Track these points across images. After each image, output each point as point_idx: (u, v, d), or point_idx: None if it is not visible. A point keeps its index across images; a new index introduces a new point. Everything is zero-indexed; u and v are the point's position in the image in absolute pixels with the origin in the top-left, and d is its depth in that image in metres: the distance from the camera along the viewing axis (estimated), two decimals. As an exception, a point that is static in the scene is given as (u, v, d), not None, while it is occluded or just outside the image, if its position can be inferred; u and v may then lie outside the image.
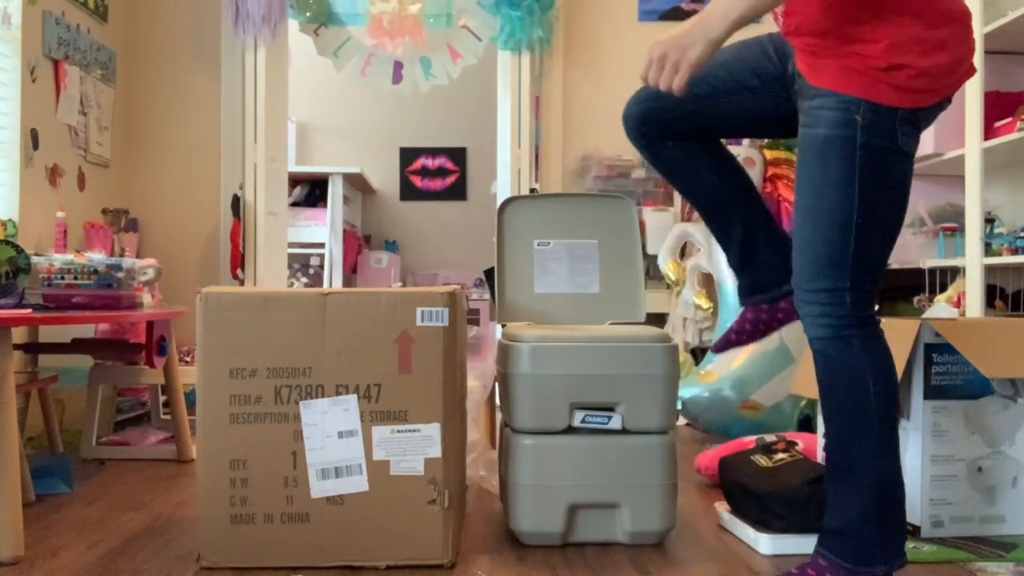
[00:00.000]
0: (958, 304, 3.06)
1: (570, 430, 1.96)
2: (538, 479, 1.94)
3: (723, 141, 1.90)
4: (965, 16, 1.55)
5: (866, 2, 1.50)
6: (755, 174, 3.49)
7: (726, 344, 1.98)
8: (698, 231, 3.60)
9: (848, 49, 1.52)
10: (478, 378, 2.60)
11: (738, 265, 1.93)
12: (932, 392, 2.01)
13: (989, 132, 2.96)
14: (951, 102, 1.63)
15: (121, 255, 3.46)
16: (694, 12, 4.73)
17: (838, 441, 1.62)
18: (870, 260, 1.57)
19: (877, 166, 1.53)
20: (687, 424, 3.58)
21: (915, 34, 1.49)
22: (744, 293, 1.93)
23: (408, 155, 6.26)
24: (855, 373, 1.58)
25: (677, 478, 1.99)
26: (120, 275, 2.49)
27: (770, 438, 2.21)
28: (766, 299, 1.91)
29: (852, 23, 1.51)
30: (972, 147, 3.00)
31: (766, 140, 3.59)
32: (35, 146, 3.11)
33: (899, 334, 2.05)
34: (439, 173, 6.27)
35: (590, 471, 1.94)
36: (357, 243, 5.94)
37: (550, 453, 1.95)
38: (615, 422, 1.95)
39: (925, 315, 3.08)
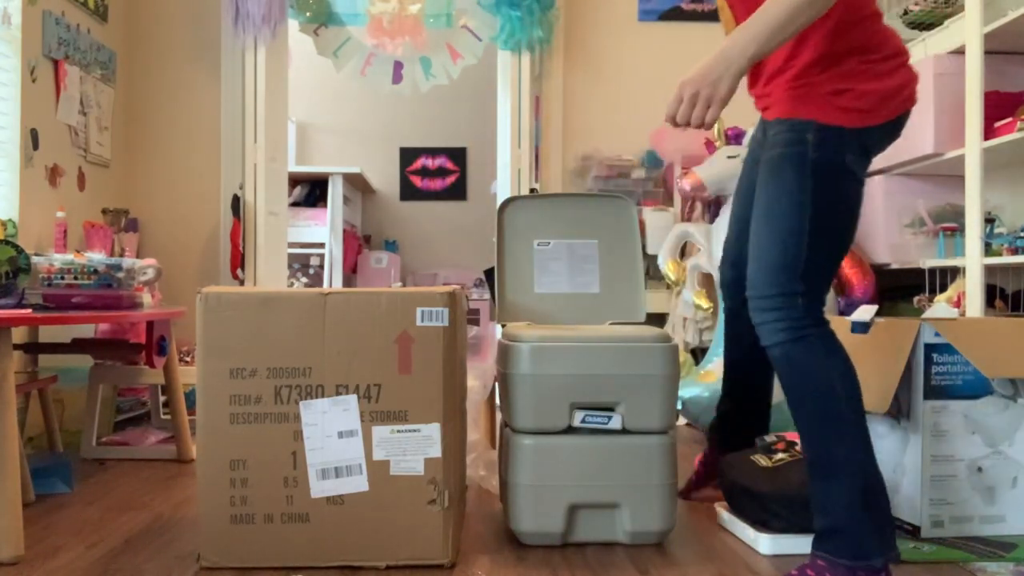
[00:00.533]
0: (958, 304, 3.06)
1: (570, 430, 1.96)
2: (538, 479, 1.94)
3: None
4: (904, 52, 1.76)
5: (816, 46, 1.69)
6: (755, 174, 3.49)
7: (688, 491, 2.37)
8: (698, 231, 3.60)
9: (798, 82, 1.72)
10: (478, 378, 2.60)
11: (717, 419, 2.33)
12: (932, 392, 2.01)
13: (989, 132, 2.96)
14: (899, 135, 1.78)
15: (121, 255, 3.46)
16: (694, 12, 4.68)
17: (816, 440, 1.64)
18: (820, 266, 1.67)
19: (827, 179, 1.67)
20: (687, 424, 3.58)
21: (858, 68, 1.69)
22: (710, 428, 2.36)
23: (408, 155, 6.26)
24: (821, 371, 1.63)
25: (677, 478, 1.99)
26: (120, 275, 2.49)
27: (770, 438, 2.21)
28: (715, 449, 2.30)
29: (803, 65, 1.71)
30: (972, 147, 3.00)
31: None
32: (35, 146, 3.11)
33: (899, 334, 2.05)
34: (439, 173, 6.27)
35: (590, 471, 1.94)
36: (357, 243, 5.94)
37: (550, 453, 1.95)
38: (615, 422, 1.95)
39: (925, 315, 3.08)
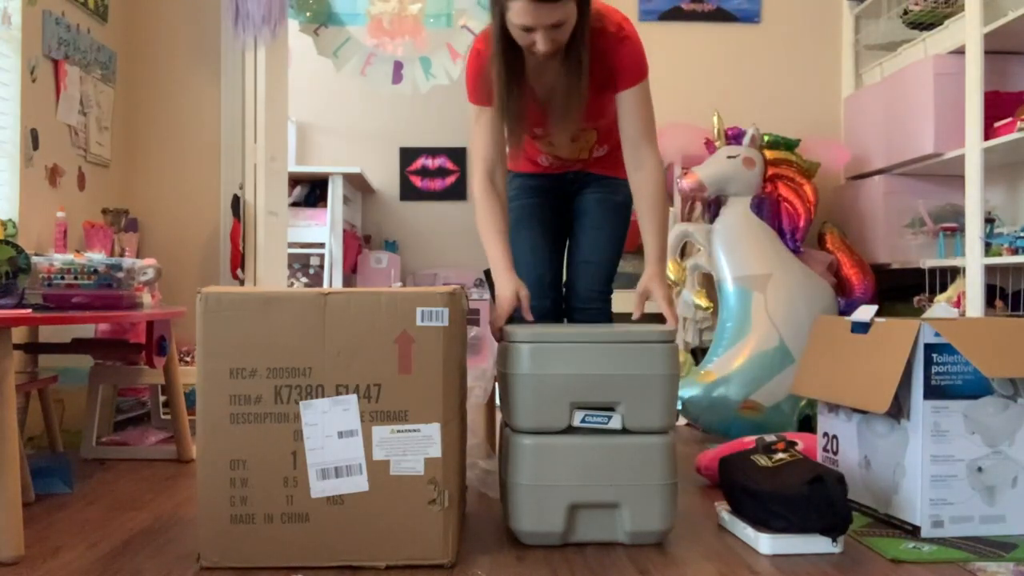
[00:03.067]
0: (958, 304, 3.06)
1: (570, 430, 1.96)
2: (538, 479, 1.94)
3: None
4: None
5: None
6: (755, 174, 3.49)
7: None
8: (698, 231, 3.60)
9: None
10: (477, 379, 2.60)
11: None
12: (932, 392, 2.01)
13: (989, 132, 2.96)
14: None
15: (121, 255, 3.46)
16: (693, 12, 4.67)
17: None
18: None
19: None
20: (687, 424, 3.58)
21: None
22: None
23: (408, 155, 6.26)
24: None
25: (677, 478, 1.99)
26: (120, 275, 2.49)
27: (770, 438, 2.21)
28: None
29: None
30: (972, 147, 3.00)
31: (766, 139, 3.59)
32: (35, 146, 3.11)
33: (899, 334, 2.05)
34: (439, 173, 6.27)
35: (590, 471, 1.94)
36: (357, 243, 5.94)
37: (550, 453, 1.95)
38: (615, 422, 1.95)
39: (925, 315, 3.08)
